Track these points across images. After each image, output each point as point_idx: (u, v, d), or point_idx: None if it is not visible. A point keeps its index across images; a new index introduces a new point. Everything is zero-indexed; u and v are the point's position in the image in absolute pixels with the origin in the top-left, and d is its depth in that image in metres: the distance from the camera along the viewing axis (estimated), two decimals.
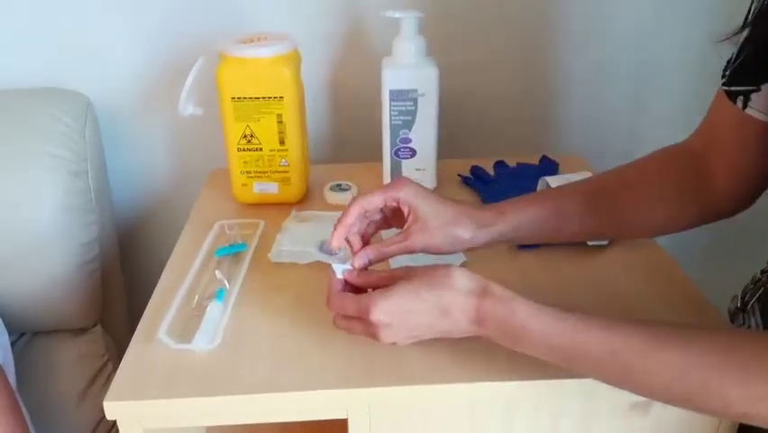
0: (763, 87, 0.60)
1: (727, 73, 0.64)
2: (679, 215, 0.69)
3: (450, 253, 0.68)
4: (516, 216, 0.69)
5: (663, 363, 0.53)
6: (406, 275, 0.60)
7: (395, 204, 0.67)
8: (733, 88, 0.63)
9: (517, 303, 0.57)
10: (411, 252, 0.67)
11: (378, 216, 0.70)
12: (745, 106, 0.62)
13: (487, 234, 0.68)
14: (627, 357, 0.54)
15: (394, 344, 0.61)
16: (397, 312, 0.58)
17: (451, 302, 0.58)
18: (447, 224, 0.66)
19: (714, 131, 0.68)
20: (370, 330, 0.60)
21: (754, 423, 0.52)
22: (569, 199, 0.71)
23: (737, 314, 0.72)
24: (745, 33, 0.61)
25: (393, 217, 0.70)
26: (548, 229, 0.70)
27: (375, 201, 0.66)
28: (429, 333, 0.60)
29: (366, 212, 0.67)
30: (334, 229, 0.66)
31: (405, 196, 0.66)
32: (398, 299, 0.59)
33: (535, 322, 0.56)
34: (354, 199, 0.66)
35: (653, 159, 0.72)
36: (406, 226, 0.67)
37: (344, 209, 0.66)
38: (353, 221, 0.66)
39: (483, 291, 0.58)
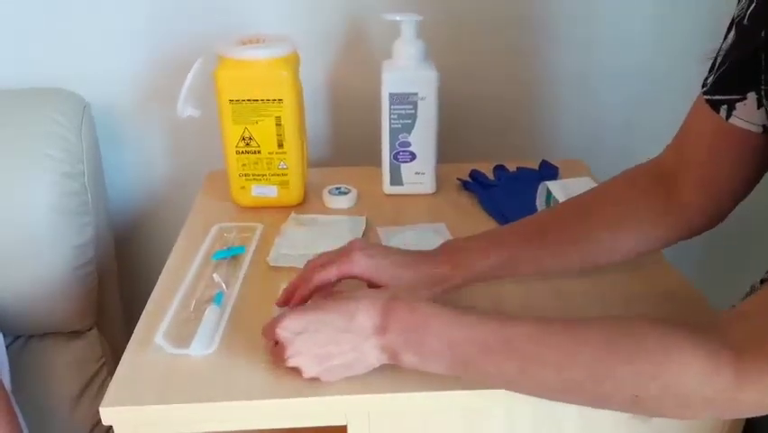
0: (748, 95, 0.59)
1: (709, 82, 0.63)
2: (647, 236, 0.69)
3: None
4: (472, 269, 0.70)
5: (554, 346, 0.54)
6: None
7: (349, 277, 0.69)
8: (716, 97, 0.62)
9: (421, 304, 0.59)
10: None
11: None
12: (728, 116, 0.61)
13: (443, 290, 0.69)
14: (520, 345, 0.55)
15: (303, 371, 0.61)
16: (301, 327, 0.60)
17: (356, 309, 0.60)
18: (407, 289, 0.68)
19: (689, 144, 0.67)
20: (284, 354, 0.61)
21: (650, 410, 0.53)
22: (526, 243, 0.70)
23: None
24: (729, 40, 0.60)
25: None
26: (509, 274, 0.71)
27: (330, 277, 0.68)
28: (338, 350, 0.60)
29: (321, 285, 0.69)
30: (290, 295, 0.69)
31: (359, 271, 0.68)
32: (301, 314, 0.61)
33: (436, 319, 0.58)
34: (311, 275, 0.68)
35: (617, 182, 0.71)
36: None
37: (302, 280, 0.69)
38: (306, 296, 0.68)
39: (390, 297, 0.60)
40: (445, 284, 0.69)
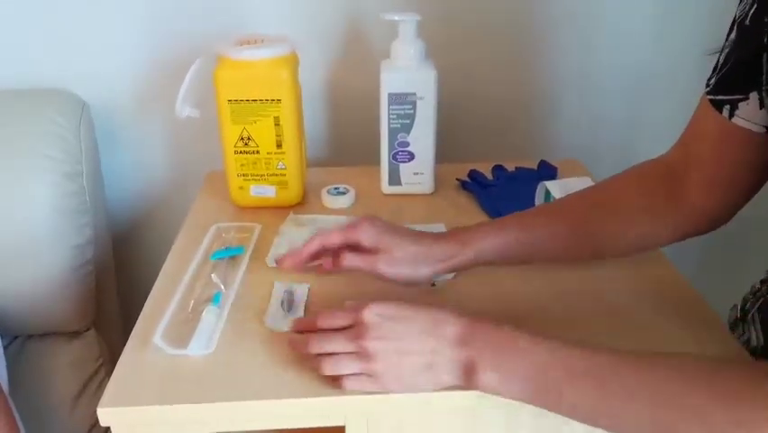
0: (751, 95, 0.59)
1: (712, 82, 0.63)
2: (651, 232, 0.69)
3: (412, 283, 0.69)
4: (478, 246, 0.69)
5: (645, 381, 0.52)
6: None
7: (353, 243, 0.69)
8: (719, 97, 0.62)
9: (507, 325, 0.58)
10: (376, 276, 0.69)
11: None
12: (731, 116, 0.61)
13: (447, 267, 0.69)
14: (609, 376, 0.53)
15: (370, 359, 0.59)
16: (390, 314, 0.59)
17: (443, 318, 0.59)
18: (407, 260, 0.68)
19: (694, 143, 0.67)
20: (355, 336, 0.59)
21: None
22: (534, 226, 0.70)
23: (737, 324, 0.71)
24: (731, 40, 0.60)
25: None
26: (513, 257, 0.70)
27: (333, 240, 0.69)
28: (415, 348, 0.59)
29: (324, 248, 0.70)
30: (287, 255, 0.71)
31: (364, 238, 0.68)
32: (394, 304, 0.60)
33: (523, 340, 0.56)
34: (314, 237, 0.70)
35: (624, 176, 0.71)
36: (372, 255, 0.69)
37: (305, 244, 0.70)
38: (307, 257, 0.70)
39: (475, 316, 0.59)
40: (450, 261, 0.69)
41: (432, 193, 0.97)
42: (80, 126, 1.00)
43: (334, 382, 0.61)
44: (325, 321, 0.63)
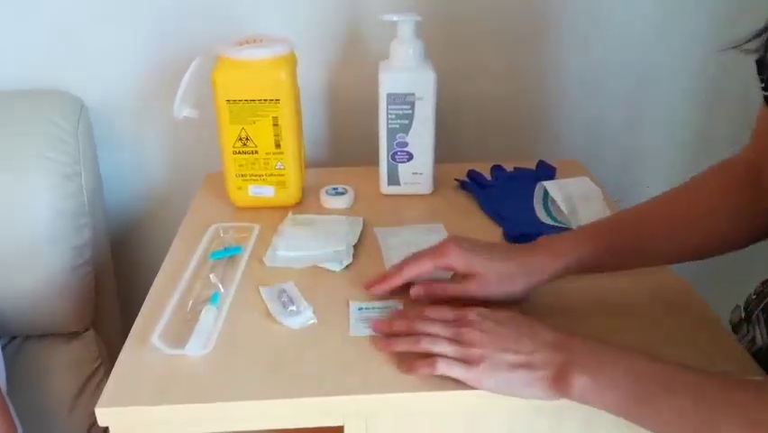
0: None
1: (766, 78, 0.62)
2: (736, 236, 0.68)
3: (507, 301, 0.69)
4: (570, 257, 0.68)
5: (742, 402, 0.51)
6: None
7: (446, 269, 0.69)
8: None
9: (599, 340, 0.58)
10: (469, 298, 0.68)
11: None
12: None
13: (540, 281, 0.69)
14: (708, 392, 0.52)
15: (471, 347, 0.60)
16: (493, 315, 0.62)
17: (541, 326, 0.61)
18: (504, 277, 0.68)
19: (760, 143, 0.67)
20: (459, 326, 0.61)
21: None
22: (623, 235, 0.69)
23: (741, 325, 0.71)
24: None
25: None
26: (604, 265, 0.70)
27: (425, 267, 0.69)
28: (514, 344, 0.59)
29: (417, 276, 0.70)
30: (381, 281, 0.71)
31: (455, 263, 0.68)
32: (497, 310, 0.63)
33: (619, 349, 0.57)
34: (406, 266, 0.70)
35: (704, 181, 0.70)
36: (464, 280, 0.69)
37: (396, 270, 0.71)
38: (400, 282, 0.70)
39: (568, 332, 0.60)
40: (543, 274, 0.68)
41: (431, 193, 0.97)
42: (79, 127, 1.00)
43: (412, 366, 0.61)
44: (432, 312, 0.65)
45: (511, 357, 0.59)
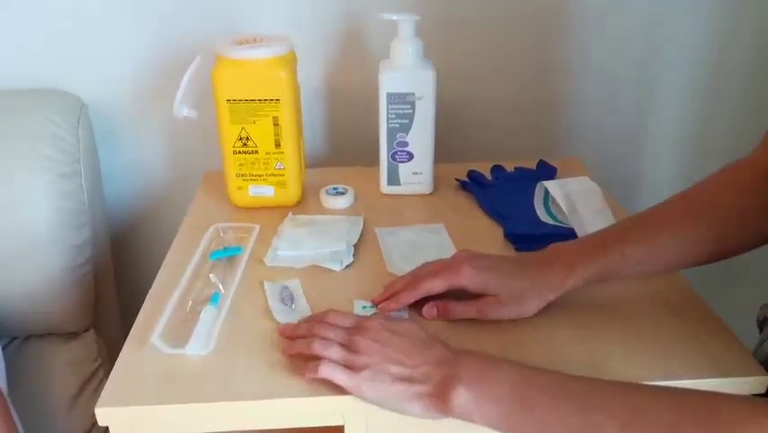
0: None
1: None
2: (752, 236, 0.67)
3: (521, 317, 0.69)
4: (587, 270, 0.67)
5: (621, 402, 0.52)
6: None
7: (456, 289, 0.69)
8: None
9: (490, 355, 0.59)
10: (481, 317, 0.69)
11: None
12: None
13: (556, 297, 0.68)
14: (587, 396, 0.53)
15: (357, 354, 0.60)
16: (392, 327, 0.62)
17: (436, 343, 0.61)
18: (516, 297, 0.68)
19: None
20: (351, 333, 0.62)
21: None
22: (635, 243, 0.68)
23: (766, 322, 0.71)
24: None
25: None
26: (621, 273, 0.68)
27: (438, 288, 0.69)
28: (402, 357, 0.59)
29: (428, 295, 0.70)
30: (393, 297, 0.70)
31: (468, 282, 0.68)
32: (405, 324, 0.63)
33: (507, 364, 0.57)
34: (418, 282, 0.69)
35: (717, 181, 0.69)
36: (476, 299, 0.69)
37: (407, 286, 0.70)
38: (412, 301, 0.70)
39: (469, 350, 0.60)
40: (558, 290, 0.68)
41: (431, 193, 0.97)
42: (78, 126, 1.00)
43: (301, 370, 0.62)
44: (333, 318, 0.65)
45: (395, 369, 0.59)
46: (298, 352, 0.63)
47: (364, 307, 0.71)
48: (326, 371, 0.60)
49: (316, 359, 0.61)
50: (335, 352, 0.61)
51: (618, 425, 0.51)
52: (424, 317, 0.70)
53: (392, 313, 0.70)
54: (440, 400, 0.56)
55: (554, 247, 0.71)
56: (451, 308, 0.69)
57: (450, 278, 0.69)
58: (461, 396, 0.56)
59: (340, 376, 0.59)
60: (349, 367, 0.60)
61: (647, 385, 0.54)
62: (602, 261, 0.68)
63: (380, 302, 0.71)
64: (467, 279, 0.68)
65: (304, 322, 0.67)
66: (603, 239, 0.70)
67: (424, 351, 0.60)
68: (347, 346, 0.61)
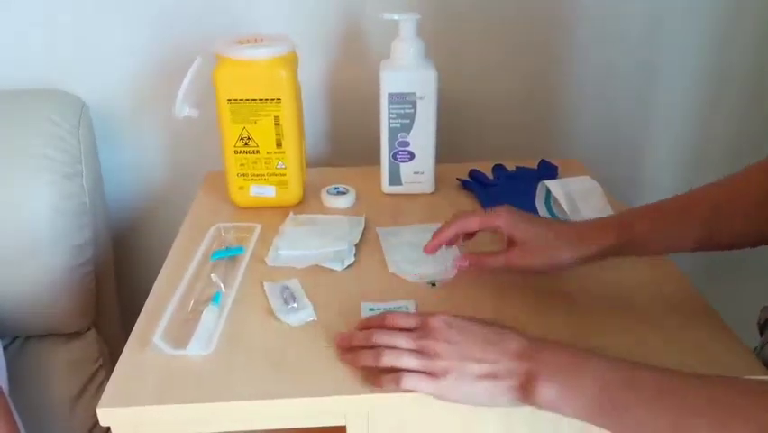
0: None
1: None
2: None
3: (548, 272, 0.70)
4: (622, 233, 0.67)
5: (713, 400, 0.51)
6: None
7: (490, 230, 0.71)
8: None
9: (571, 346, 0.58)
10: (509, 269, 0.70)
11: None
12: None
13: (588, 252, 0.68)
14: (678, 395, 0.52)
15: (436, 357, 0.59)
16: (457, 323, 0.61)
17: (507, 334, 0.60)
18: (547, 247, 0.68)
19: None
20: (422, 336, 0.60)
21: None
22: (666, 215, 0.68)
23: (767, 326, 0.71)
24: None
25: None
26: (648, 247, 0.69)
27: (472, 225, 0.71)
28: (478, 355, 0.58)
29: (463, 233, 0.72)
30: (432, 239, 0.73)
31: (504, 224, 0.69)
32: (462, 317, 0.62)
33: (591, 359, 0.56)
34: (454, 220, 0.72)
35: (749, 173, 0.68)
36: (506, 248, 0.70)
37: (444, 225, 0.72)
38: (450, 238, 0.72)
39: (539, 338, 0.59)
40: (591, 246, 0.67)
41: (432, 193, 0.96)
42: (79, 127, 1.00)
43: (377, 381, 0.60)
44: (393, 320, 0.63)
45: (476, 368, 0.58)
46: (369, 364, 0.61)
47: (371, 309, 0.71)
48: (410, 382, 0.58)
49: (389, 368, 0.60)
50: (412, 361, 0.59)
51: (711, 426, 0.50)
52: (458, 268, 0.73)
53: (402, 301, 0.71)
54: (527, 394, 0.56)
55: (587, 220, 0.72)
56: (482, 259, 0.71)
57: (485, 218, 0.70)
58: (546, 392, 0.55)
59: (425, 386, 0.58)
60: (428, 373, 0.58)
61: (744, 381, 0.53)
62: (635, 229, 0.67)
63: (429, 250, 0.73)
64: (502, 219, 0.69)
65: (360, 330, 0.65)
66: (636, 212, 0.70)
67: (499, 344, 0.59)
68: (419, 351, 0.59)
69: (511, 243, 0.69)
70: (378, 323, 0.64)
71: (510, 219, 0.69)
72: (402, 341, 0.60)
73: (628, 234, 0.67)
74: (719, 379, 0.53)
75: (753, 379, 0.52)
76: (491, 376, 0.57)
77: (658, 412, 0.51)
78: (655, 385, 0.53)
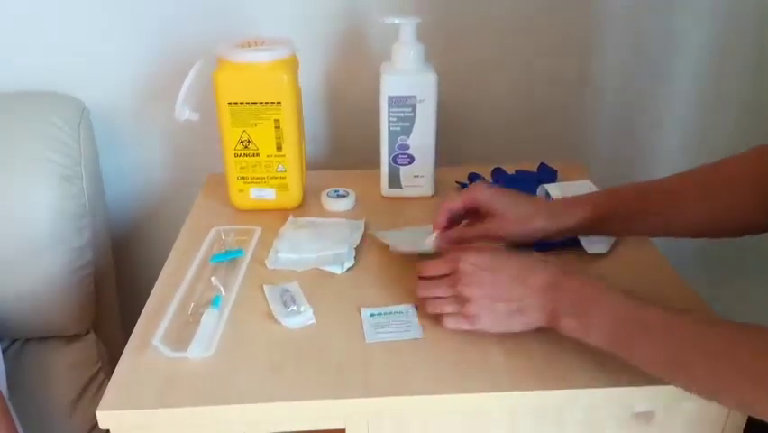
0: None
1: None
2: (757, 217, 0.68)
3: (523, 242, 0.75)
4: (592, 206, 0.73)
5: (712, 340, 0.55)
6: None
7: (473, 205, 0.75)
8: None
9: (593, 280, 0.63)
10: (487, 238, 0.75)
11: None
12: None
13: (560, 223, 0.73)
14: (680, 334, 0.56)
15: (467, 302, 0.65)
16: (483, 264, 0.65)
17: (531, 267, 0.64)
18: (522, 217, 0.74)
19: None
20: (453, 283, 0.66)
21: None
22: (646, 195, 0.73)
23: None
24: None
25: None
26: (636, 228, 0.74)
27: (456, 206, 0.76)
28: (506, 295, 0.64)
29: (451, 213, 0.76)
30: (433, 230, 0.77)
31: (480, 196, 0.75)
32: (488, 254, 0.67)
33: (606, 295, 0.60)
34: (441, 206, 0.77)
35: (741, 157, 0.70)
36: (486, 221, 0.75)
37: (436, 215, 0.77)
38: (446, 222, 0.76)
39: (564, 269, 0.64)
40: (562, 218, 0.73)
41: (432, 196, 0.97)
42: (80, 129, 1.00)
43: (437, 320, 0.68)
44: (427, 271, 0.70)
45: (505, 307, 0.64)
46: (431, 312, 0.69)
47: (372, 314, 0.71)
48: (451, 324, 0.67)
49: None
50: (450, 307, 0.67)
51: (705, 364, 0.55)
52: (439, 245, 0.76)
53: (402, 306, 0.73)
54: (552, 324, 0.62)
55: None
56: (461, 232, 0.76)
57: (465, 195, 0.76)
58: (569, 325, 0.61)
59: (465, 326, 0.66)
60: (465, 315, 0.65)
61: (733, 323, 0.56)
62: (610, 205, 0.73)
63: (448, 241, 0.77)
64: (480, 193, 0.75)
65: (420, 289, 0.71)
66: (616, 189, 0.75)
67: (525, 281, 0.64)
68: (456, 297, 0.66)
69: (490, 216, 0.74)
70: (418, 272, 0.71)
71: (488, 192, 0.75)
72: (440, 290, 0.68)
73: (606, 210, 0.73)
74: (719, 322, 0.57)
75: (744, 324, 0.55)
76: (519, 312, 0.64)
77: (661, 348, 0.57)
78: (662, 325, 0.57)
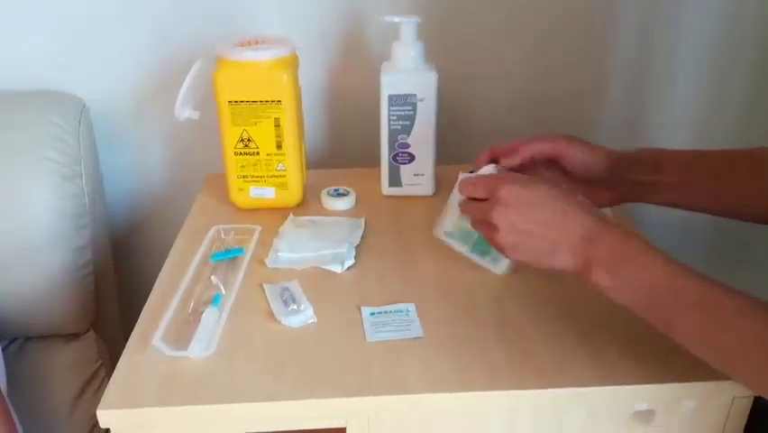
0: None
1: None
2: None
3: (588, 169, 0.75)
4: (658, 153, 0.73)
5: (747, 317, 0.53)
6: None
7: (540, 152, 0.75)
8: None
9: (636, 237, 0.59)
10: (558, 152, 0.75)
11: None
12: None
13: (624, 154, 0.74)
14: (715, 308, 0.54)
15: (495, 231, 0.63)
16: (524, 198, 0.62)
17: (576, 212, 0.61)
18: (592, 149, 0.75)
19: None
20: (487, 209, 0.63)
21: None
22: (717, 177, 0.71)
23: None
24: None
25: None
26: (696, 196, 0.72)
27: (546, 151, 0.76)
28: (538, 235, 0.61)
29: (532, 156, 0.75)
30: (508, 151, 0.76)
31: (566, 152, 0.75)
32: (531, 189, 0.63)
33: (646, 256, 0.57)
34: (530, 141, 0.76)
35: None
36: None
37: (519, 145, 0.76)
38: (526, 159, 0.75)
39: (606, 220, 0.60)
40: (623, 171, 0.72)
41: (432, 195, 0.96)
42: (80, 128, 1.00)
43: None
44: (466, 190, 0.69)
45: (534, 243, 0.62)
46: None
47: (372, 313, 0.71)
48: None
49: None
50: (481, 228, 0.66)
51: (740, 337, 0.53)
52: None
53: (402, 305, 0.72)
54: (584, 278, 0.60)
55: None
56: (519, 143, 0.76)
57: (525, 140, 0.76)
58: (601, 281, 0.58)
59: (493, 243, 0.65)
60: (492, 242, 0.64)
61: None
62: (680, 160, 0.72)
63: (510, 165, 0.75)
64: (564, 147, 0.75)
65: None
66: (694, 156, 0.73)
67: (562, 225, 0.61)
68: (488, 223, 0.64)
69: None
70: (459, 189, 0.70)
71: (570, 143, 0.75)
72: (475, 213, 0.67)
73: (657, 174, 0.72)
74: (763, 304, 0.54)
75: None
76: (550, 254, 0.61)
77: (697, 324, 0.55)
78: (697, 296, 0.55)
